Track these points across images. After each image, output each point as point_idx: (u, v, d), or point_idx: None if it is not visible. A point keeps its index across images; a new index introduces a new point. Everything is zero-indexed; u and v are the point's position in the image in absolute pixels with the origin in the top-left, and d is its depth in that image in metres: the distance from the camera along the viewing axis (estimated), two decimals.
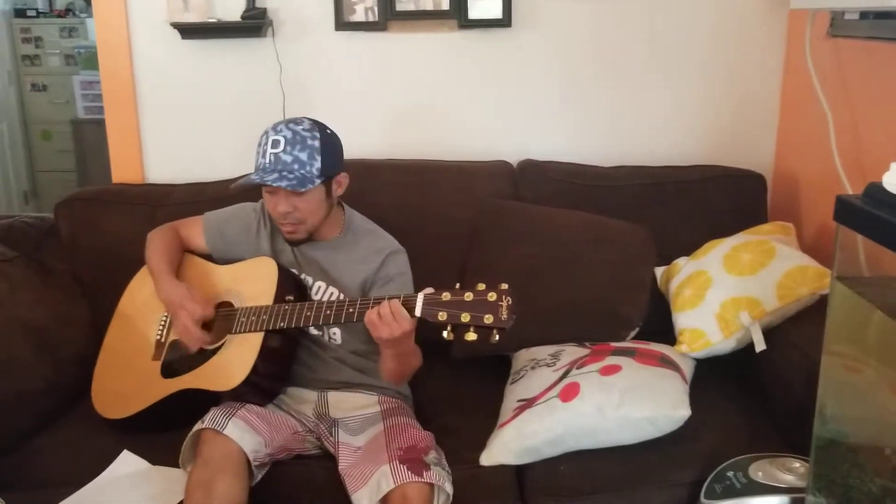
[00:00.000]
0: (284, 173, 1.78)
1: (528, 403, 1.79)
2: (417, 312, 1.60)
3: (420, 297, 1.61)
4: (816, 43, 2.19)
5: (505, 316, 1.53)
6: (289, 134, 1.81)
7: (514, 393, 1.87)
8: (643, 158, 2.46)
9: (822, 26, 2.19)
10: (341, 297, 1.92)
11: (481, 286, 1.58)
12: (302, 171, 1.79)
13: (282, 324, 1.77)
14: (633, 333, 2.06)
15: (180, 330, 1.84)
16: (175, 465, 1.77)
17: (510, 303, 1.54)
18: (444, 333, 1.57)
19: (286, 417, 1.84)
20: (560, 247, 2.17)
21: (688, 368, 1.90)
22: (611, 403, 1.69)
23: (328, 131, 1.87)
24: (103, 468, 1.78)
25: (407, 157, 2.43)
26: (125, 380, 1.94)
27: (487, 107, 2.51)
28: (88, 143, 4.93)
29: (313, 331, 1.92)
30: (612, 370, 1.77)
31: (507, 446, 1.74)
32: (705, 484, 1.58)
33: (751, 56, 2.47)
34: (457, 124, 2.53)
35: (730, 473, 1.57)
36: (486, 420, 1.89)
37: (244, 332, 1.81)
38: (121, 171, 2.55)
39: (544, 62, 2.48)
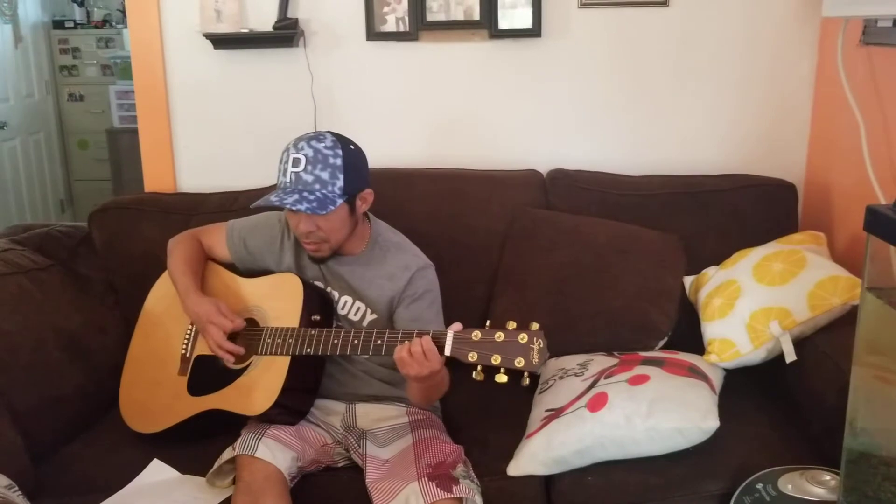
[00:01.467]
0: (305, 194, 1.74)
1: (556, 413, 1.78)
2: (447, 352, 1.58)
3: (450, 335, 1.58)
4: (849, 51, 2.17)
5: (536, 360, 1.52)
6: (310, 152, 1.76)
7: (543, 403, 1.87)
8: (673, 168, 2.45)
9: (854, 34, 2.17)
10: (369, 312, 1.91)
11: (512, 324, 1.56)
12: (323, 192, 1.75)
13: (308, 350, 1.75)
14: (662, 343, 2.05)
15: (212, 346, 1.83)
16: (202, 474, 1.79)
17: (541, 346, 1.52)
18: (474, 374, 1.55)
19: (315, 430, 1.85)
20: (590, 256, 2.16)
21: (717, 379, 1.88)
22: (639, 414, 1.67)
23: (351, 147, 1.82)
24: (134, 475, 1.81)
25: (438, 167, 2.44)
26: (152, 394, 1.95)
27: (518, 116, 2.52)
28: (124, 152, 5.00)
29: None
30: (640, 380, 1.76)
31: (535, 457, 1.74)
32: (734, 496, 1.57)
33: (782, 64, 2.45)
34: (487, 133, 2.54)
35: (759, 486, 1.55)
36: (514, 430, 1.89)
37: (270, 354, 1.80)
38: (153, 180, 2.59)
39: (574, 71, 2.48)
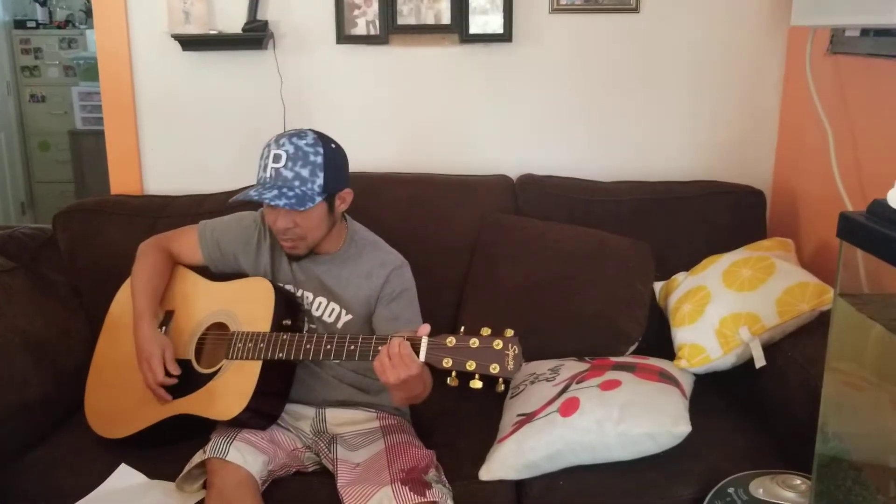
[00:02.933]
0: (284, 190, 1.73)
1: (527, 418, 1.78)
2: (422, 357, 1.56)
3: (424, 340, 1.57)
4: (817, 60, 2.20)
5: (511, 366, 1.51)
6: (291, 149, 1.75)
7: (514, 407, 1.87)
8: (642, 173, 2.47)
9: (822, 43, 2.20)
10: (344, 314, 1.89)
11: (486, 331, 1.55)
12: (303, 188, 1.74)
13: (280, 355, 1.73)
14: (632, 348, 2.06)
15: (146, 382, 1.81)
16: (171, 478, 1.77)
17: (516, 352, 1.52)
18: (448, 379, 1.54)
19: (286, 434, 1.83)
20: (560, 261, 2.17)
21: (687, 384, 1.89)
22: (611, 419, 1.68)
23: (332, 145, 1.81)
24: (101, 481, 1.77)
25: (408, 171, 2.43)
26: (119, 398, 1.91)
27: (488, 121, 2.52)
28: (86, 154, 4.93)
29: None
30: (612, 385, 1.76)
31: (507, 461, 1.73)
32: (706, 501, 1.58)
33: (751, 72, 2.48)
34: (457, 138, 2.53)
35: (731, 490, 1.56)
36: (485, 435, 1.88)
37: (240, 358, 1.77)
38: (119, 183, 2.55)
39: (545, 77, 2.49)
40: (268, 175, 1.75)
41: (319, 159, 1.76)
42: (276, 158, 1.75)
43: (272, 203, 1.72)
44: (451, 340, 1.56)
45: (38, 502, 1.73)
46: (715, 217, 2.32)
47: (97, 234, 2.31)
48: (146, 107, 2.52)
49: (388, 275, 1.89)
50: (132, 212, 2.34)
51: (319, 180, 1.75)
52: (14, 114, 5.11)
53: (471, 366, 1.52)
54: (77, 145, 4.96)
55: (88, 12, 5.26)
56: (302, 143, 1.76)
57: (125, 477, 1.79)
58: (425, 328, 1.61)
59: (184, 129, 2.54)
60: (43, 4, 5.19)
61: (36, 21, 5.13)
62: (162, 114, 2.53)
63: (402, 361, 1.57)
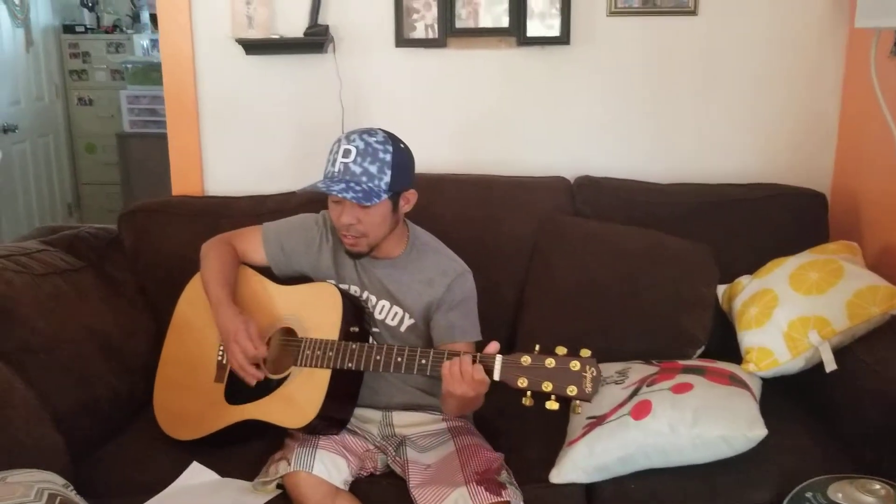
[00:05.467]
0: (352, 184, 1.75)
1: (598, 421, 1.78)
2: (496, 376, 1.57)
3: (499, 359, 1.57)
4: (880, 62, 2.18)
5: (589, 388, 1.51)
6: (361, 144, 1.77)
7: (583, 410, 1.86)
8: (700, 176, 2.46)
9: (885, 46, 2.18)
10: (407, 317, 1.90)
11: (562, 350, 1.55)
12: (370, 184, 1.76)
13: (349, 364, 1.74)
14: (699, 351, 2.05)
15: (234, 366, 1.81)
16: (241, 477, 1.80)
17: (594, 374, 1.52)
18: (523, 399, 1.54)
19: (355, 437, 1.85)
20: (621, 263, 2.17)
21: (756, 388, 1.88)
22: (684, 422, 1.67)
23: (401, 145, 1.83)
24: (172, 477, 1.80)
25: (466, 172, 2.44)
26: (188, 400, 1.93)
27: (545, 122, 2.53)
28: (133, 157, 5.00)
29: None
30: (684, 388, 1.76)
31: (578, 464, 1.74)
32: None
33: (810, 73, 2.47)
34: (514, 140, 2.54)
35: (808, 495, 1.55)
36: (550, 438, 1.88)
37: (309, 366, 1.78)
38: (181, 184, 2.58)
39: (602, 79, 2.49)
40: (336, 169, 1.77)
41: (388, 157, 1.78)
42: (346, 153, 1.77)
43: (340, 195, 1.74)
44: (525, 359, 1.56)
45: (111, 497, 1.75)
46: (776, 220, 2.30)
47: (161, 234, 2.34)
48: (208, 109, 2.55)
49: (449, 283, 1.89)
50: (195, 212, 2.38)
51: (386, 178, 1.77)
52: (62, 117, 5.18)
53: (547, 387, 1.53)
54: (124, 148, 5.03)
55: (135, 17, 5.34)
56: (372, 140, 1.78)
57: (197, 474, 1.81)
58: (494, 346, 1.61)
59: (244, 131, 2.57)
60: (91, 9, 5.27)
61: (84, 26, 5.21)
62: (223, 116, 2.56)
63: (472, 380, 1.58)
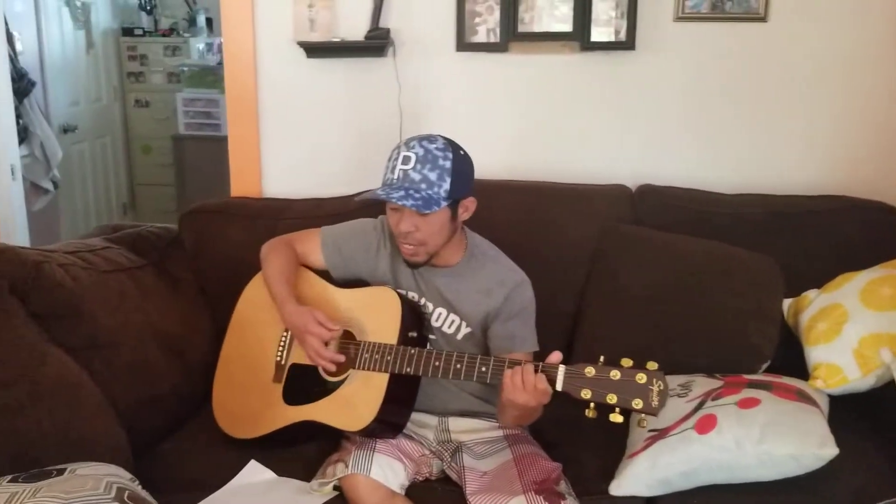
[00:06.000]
0: (411, 192, 1.73)
1: (660, 434, 1.74)
2: (559, 387, 1.55)
3: (562, 370, 1.55)
4: None
5: (656, 402, 1.48)
6: (420, 151, 1.75)
7: (648, 423, 1.82)
8: (765, 186, 2.41)
9: None
10: (464, 326, 1.89)
11: (627, 362, 1.52)
12: (429, 192, 1.73)
13: (408, 370, 1.73)
14: (765, 366, 2.00)
15: (312, 355, 1.81)
16: (296, 476, 1.80)
17: (661, 388, 1.48)
18: (587, 411, 1.52)
19: (410, 441, 1.84)
20: (685, 274, 2.12)
21: (824, 405, 1.83)
22: (751, 438, 1.63)
23: (461, 152, 1.80)
24: (230, 475, 1.81)
25: (523, 179, 2.42)
26: (246, 399, 1.94)
27: (606, 129, 2.50)
28: (187, 159, 5.08)
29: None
30: (750, 403, 1.71)
31: (639, 477, 1.70)
32: None
33: (882, 82, 2.40)
34: (574, 147, 2.51)
35: None
36: (608, 449, 1.86)
37: (367, 369, 1.77)
38: (240, 185, 2.60)
39: (667, 86, 2.45)
40: (395, 176, 1.76)
41: (448, 164, 1.76)
42: (406, 160, 1.75)
43: (399, 203, 1.72)
44: (590, 370, 1.53)
45: (170, 492, 1.75)
46: (844, 233, 2.24)
47: (220, 234, 2.36)
48: (268, 111, 2.57)
49: (508, 292, 1.87)
50: (254, 214, 2.39)
51: (446, 185, 1.75)
52: (119, 118, 5.28)
53: (612, 399, 1.50)
54: (179, 149, 5.11)
55: (192, 21, 5.42)
56: (432, 146, 1.77)
57: (255, 473, 1.82)
58: (557, 355, 1.59)
59: (303, 134, 2.58)
60: (149, 13, 5.36)
61: (142, 29, 5.31)
62: (282, 118, 2.57)
63: (535, 390, 1.56)
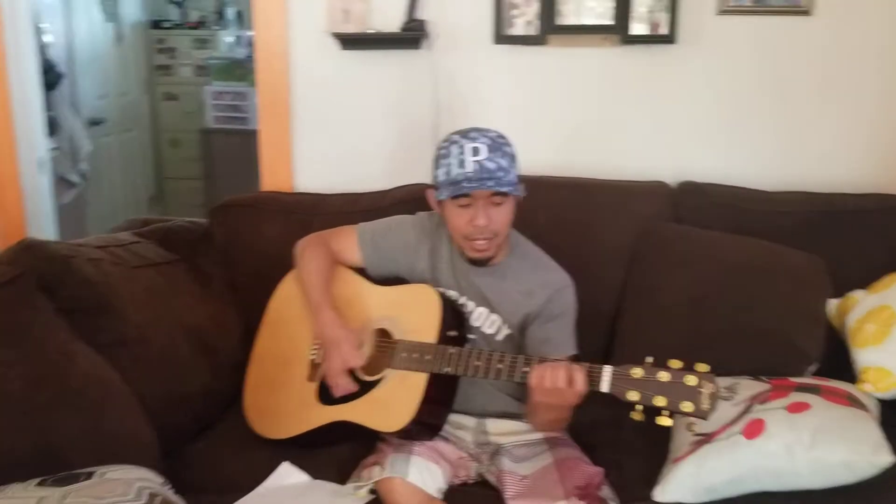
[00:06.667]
0: (495, 180, 1.69)
1: (706, 438, 1.69)
2: (604, 388, 1.50)
3: (607, 370, 1.50)
4: None
5: (706, 405, 1.42)
6: (487, 141, 1.72)
7: (698, 427, 1.77)
8: (809, 184, 2.34)
9: None
10: (506, 327, 1.84)
11: (676, 363, 1.47)
12: (507, 178, 1.71)
13: (447, 369, 1.68)
14: (812, 369, 1.94)
15: (329, 373, 1.77)
16: (330, 478, 1.76)
17: (713, 390, 1.43)
18: (633, 414, 1.47)
19: (449, 444, 1.80)
20: (728, 274, 2.06)
21: (875, 410, 1.76)
22: (801, 444, 1.57)
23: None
24: (263, 476, 1.78)
25: (561, 174, 2.36)
26: (279, 398, 1.91)
27: (646, 125, 2.44)
28: (215, 152, 5.07)
29: None
30: (800, 408, 1.65)
31: (684, 483, 1.64)
32: None
33: None
34: (613, 142, 2.46)
35: None
36: (650, 453, 1.80)
37: (405, 369, 1.73)
38: (271, 179, 2.57)
39: (708, 81, 2.39)
40: (469, 170, 1.70)
41: (511, 150, 1.76)
42: (475, 151, 1.71)
43: (496, 189, 1.68)
44: (637, 372, 1.48)
45: (202, 493, 1.72)
46: (891, 232, 2.17)
47: (252, 229, 2.33)
48: (300, 104, 2.53)
49: (550, 295, 1.83)
50: (287, 209, 2.36)
51: (514, 171, 1.75)
52: (147, 111, 5.28)
53: (660, 401, 1.45)
54: (207, 143, 5.10)
55: (220, 14, 5.41)
56: (493, 135, 1.75)
57: (288, 474, 1.78)
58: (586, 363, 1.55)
59: (336, 127, 2.54)
60: (179, 6, 5.36)
61: (171, 21, 5.30)
62: (315, 111, 2.53)
63: (568, 387, 1.51)
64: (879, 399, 1.83)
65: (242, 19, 5.40)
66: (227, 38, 5.26)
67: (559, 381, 1.52)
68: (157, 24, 5.28)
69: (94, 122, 4.44)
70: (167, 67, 5.32)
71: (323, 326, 1.81)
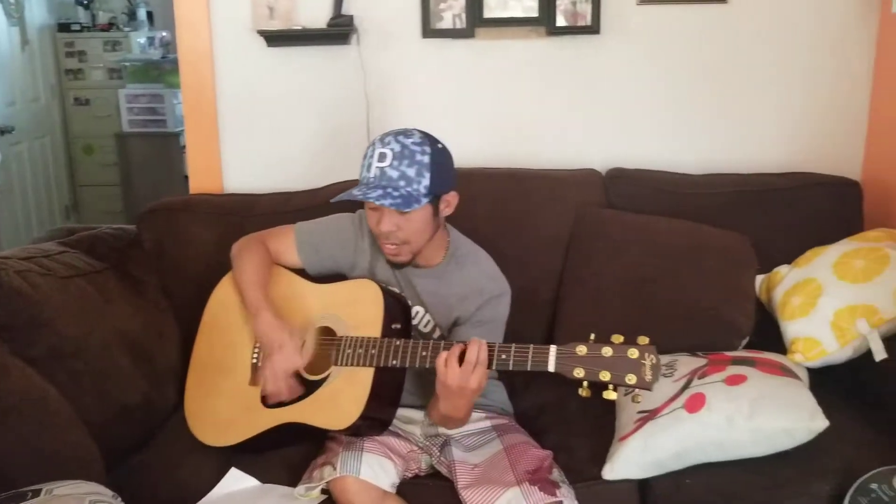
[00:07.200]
0: (389, 190, 1.67)
1: (650, 415, 1.74)
2: (551, 367, 1.51)
3: (553, 350, 1.52)
4: None
5: (649, 377, 1.46)
6: (397, 147, 1.68)
7: (631, 404, 1.82)
8: (731, 166, 2.43)
9: None
10: (438, 329, 1.85)
11: (618, 338, 1.50)
12: (408, 189, 1.67)
13: (394, 362, 1.66)
14: (744, 342, 2.02)
15: (270, 377, 1.72)
16: (281, 482, 1.75)
17: (654, 361, 1.46)
18: (580, 390, 1.49)
19: (398, 439, 1.79)
20: (661, 255, 2.13)
21: (805, 378, 1.85)
22: (741, 414, 1.63)
23: (439, 146, 1.74)
24: (211, 485, 1.75)
25: (497, 165, 2.39)
26: (222, 405, 1.86)
27: (575, 114, 2.48)
28: (133, 157, 4.93)
29: None
30: (738, 380, 1.71)
31: (632, 459, 1.70)
32: (847, 497, 1.53)
33: (841, 62, 2.43)
34: (544, 132, 2.49)
35: (874, 486, 1.52)
36: (596, 433, 1.86)
37: (351, 365, 1.71)
38: (199, 182, 2.52)
39: (632, 70, 2.45)
40: (372, 175, 1.69)
41: (426, 159, 1.70)
42: (382, 157, 1.69)
43: (378, 202, 1.66)
44: (581, 349, 1.51)
45: None
46: (811, 209, 2.27)
47: (184, 233, 2.28)
48: (227, 104, 2.48)
49: (483, 302, 1.83)
50: (219, 211, 2.31)
51: (425, 181, 1.69)
52: (58, 117, 5.09)
53: (605, 376, 1.48)
54: (123, 148, 4.95)
55: (131, 15, 5.25)
56: (408, 141, 1.70)
57: (237, 481, 1.76)
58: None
59: (265, 126, 2.50)
60: (86, 7, 5.17)
61: (80, 24, 5.12)
62: (243, 111, 2.49)
63: (472, 367, 1.53)
64: (808, 368, 1.92)
65: (154, 20, 5.25)
66: (139, 39, 5.10)
67: (469, 359, 1.54)
68: (64, 27, 5.08)
69: (4, 131, 4.26)
70: (77, 71, 5.13)
71: (262, 329, 1.77)
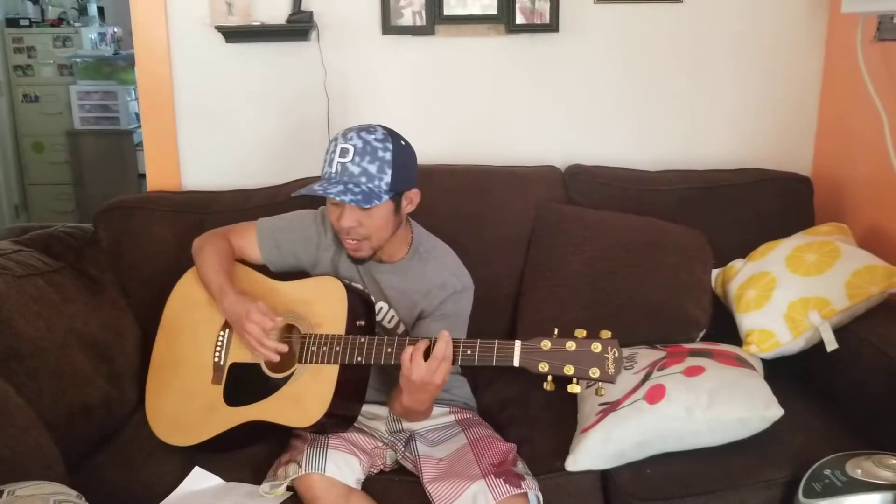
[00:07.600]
0: (350, 186, 1.66)
1: (611, 407, 1.77)
2: (515, 362, 1.53)
3: (518, 345, 1.54)
4: (865, 46, 2.21)
5: (612, 370, 1.48)
6: (359, 143, 1.68)
7: (593, 397, 1.85)
8: (687, 163, 2.48)
9: (868, 30, 2.22)
10: (402, 325, 1.86)
11: (581, 332, 1.52)
12: (369, 185, 1.67)
13: (359, 359, 1.66)
14: (701, 334, 2.07)
15: (253, 344, 1.72)
16: (245, 480, 1.74)
17: (616, 355, 1.49)
18: (545, 385, 1.51)
19: (363, 435, 1.80)
20: (620, 250, 2.16)
21: (760, 369, 1.90)
22: (700, 404, 1.67)
23: (402, 142, 1.74)
24: (174, 484, 1.74)
25: (458, 163, 2.40)
26: (184, 404, 1.84)
27: (534, 111, 2.51)
28: (85, 155, 4.83)
29: None
30: (696, 371, 1.76)
31: (594, 451, 1.72)
32: (802, 483, 1.57)
33: (792, 60, 2.50)
34: (504, 129, 2.51)
35: (827, 472, 1.56)
36: (559, 426, 1.88)
37: (315, 362, 1.71)
38: (157, 179, 2.48)
39: (590, 67, 2.48)
40: (333, 170, 1.69)
41: (388, 155, 1.69)
42: (343, 153, 1.68)
43: (338, 198, 1.66)
44: (545, 344, 1.53)
45: None
46: (764, 205, 2.33)
47: (142, 231, 2.25)
48: (184, 101, 2.45)
49: (446, 297, 1.84)
50: (177, 208, 2.28)
51: (387, 178, 1.69)
52: (6, 115, 4.96)
53: (569, 370, 1.50)
54: (75, 145, 4.85)
55: (82, 10, 5.15)
56: (370, 137, 1.70)
57: (200, 480, 1.75)
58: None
59: (223, 123, 2.48)
60: (35, 2, 5.06)
61: (28, 19, 4.99)
62: (201, 108, 2.46)
63: (441, 361, 1.55)
64: (763, 358, 1.97)
65: (105, 15, 5.15)
66: (90, 34, 5.00)
67: (437, 355, 1.55)
68: (13, 23, 4.96)
69: None
70: (26, 67, 5.00)
71: (227, 306, 1.76)
